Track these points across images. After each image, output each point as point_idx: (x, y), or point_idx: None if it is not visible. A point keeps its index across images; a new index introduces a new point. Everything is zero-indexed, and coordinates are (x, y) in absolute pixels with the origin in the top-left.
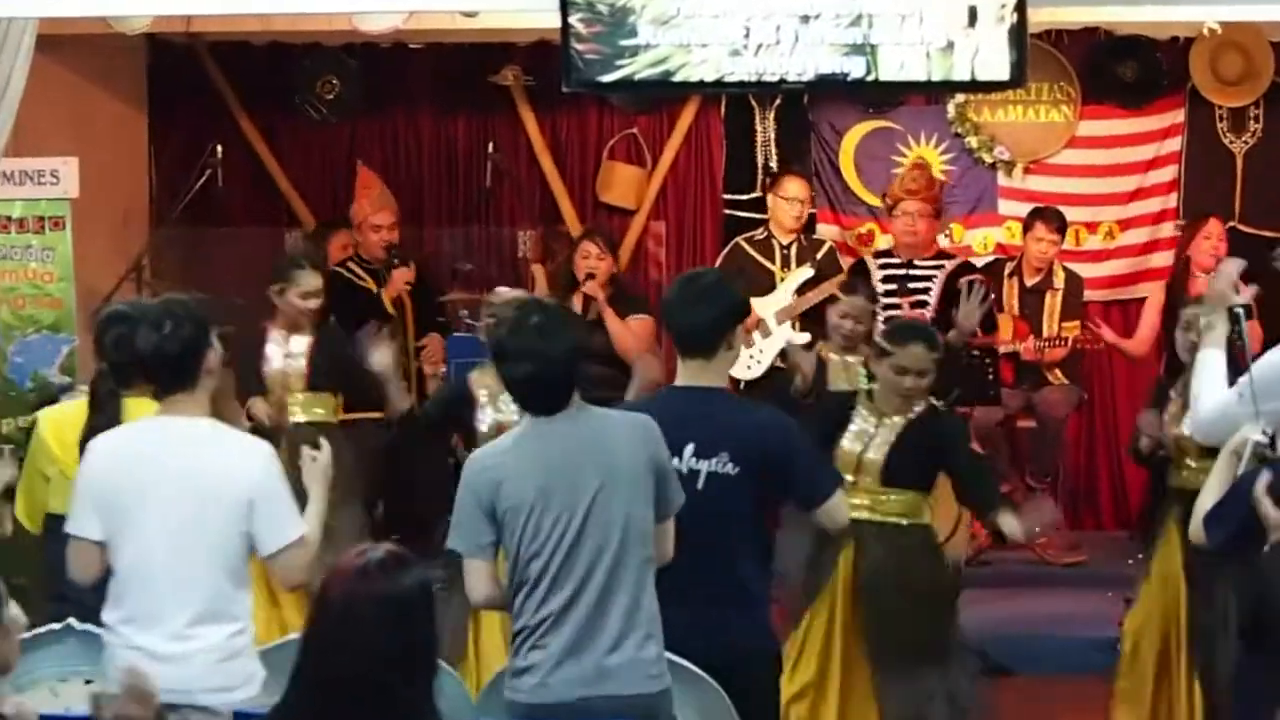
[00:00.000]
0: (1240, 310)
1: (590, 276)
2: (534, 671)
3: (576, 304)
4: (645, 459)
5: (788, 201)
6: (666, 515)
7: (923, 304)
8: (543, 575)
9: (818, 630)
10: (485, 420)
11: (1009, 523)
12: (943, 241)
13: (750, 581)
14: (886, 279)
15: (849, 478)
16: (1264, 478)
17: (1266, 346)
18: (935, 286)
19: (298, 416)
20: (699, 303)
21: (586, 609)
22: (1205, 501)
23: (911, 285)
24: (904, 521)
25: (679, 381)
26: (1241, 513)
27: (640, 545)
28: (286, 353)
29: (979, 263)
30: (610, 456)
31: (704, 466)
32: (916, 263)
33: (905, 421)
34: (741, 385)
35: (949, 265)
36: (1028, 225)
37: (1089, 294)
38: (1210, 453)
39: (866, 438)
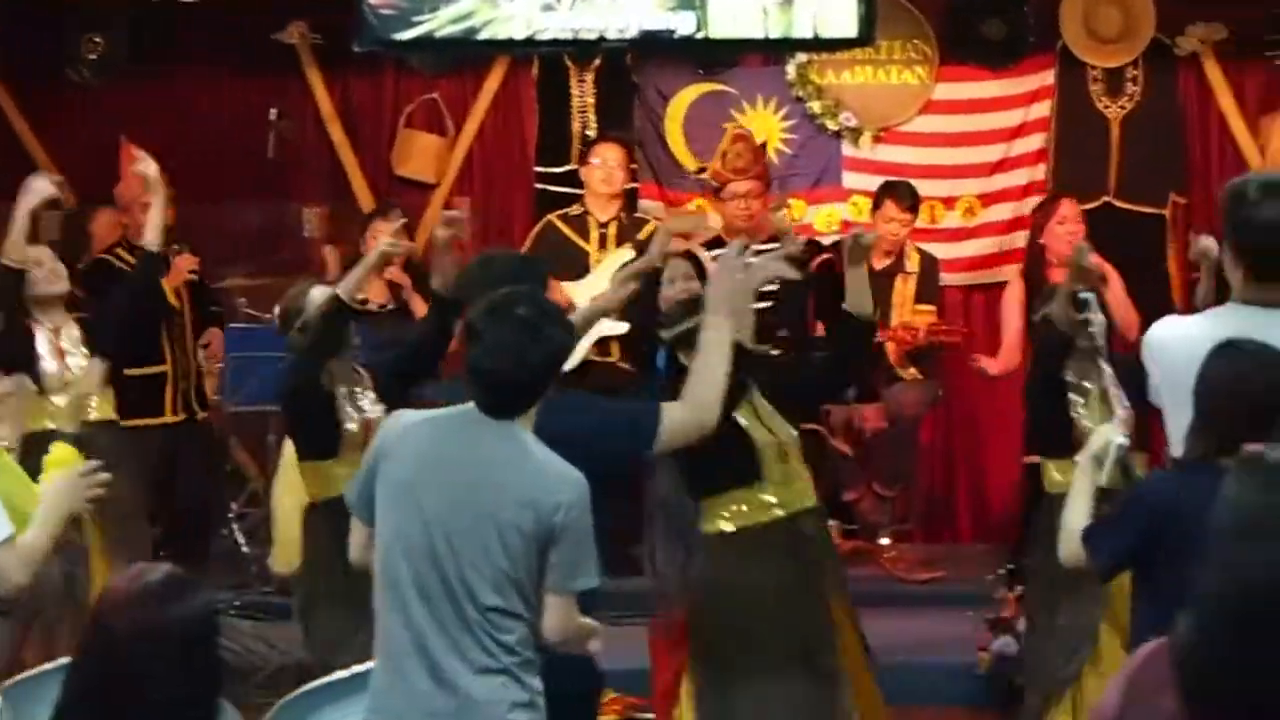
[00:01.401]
0: (1087, 298)
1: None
2: (382, 694)
3: (378, 291)
4: (531, 518)
5: (599, 167)
6: (558, 589)
7: (763, 294)
8: (387, 582)
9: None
10: (352, 419)
11: None
12: (783, 221)
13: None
14: None
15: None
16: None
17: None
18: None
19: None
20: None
21: (417, 635)
22: (1075, 519)
23: None
24: None
25: None
26: (1139, 525)
27: (492, 597)
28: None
29: (825, 243)
30: (497, 495)
31: None
32: (753, 248)
33: None
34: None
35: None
36: (877, 202)
37: (947, 278)
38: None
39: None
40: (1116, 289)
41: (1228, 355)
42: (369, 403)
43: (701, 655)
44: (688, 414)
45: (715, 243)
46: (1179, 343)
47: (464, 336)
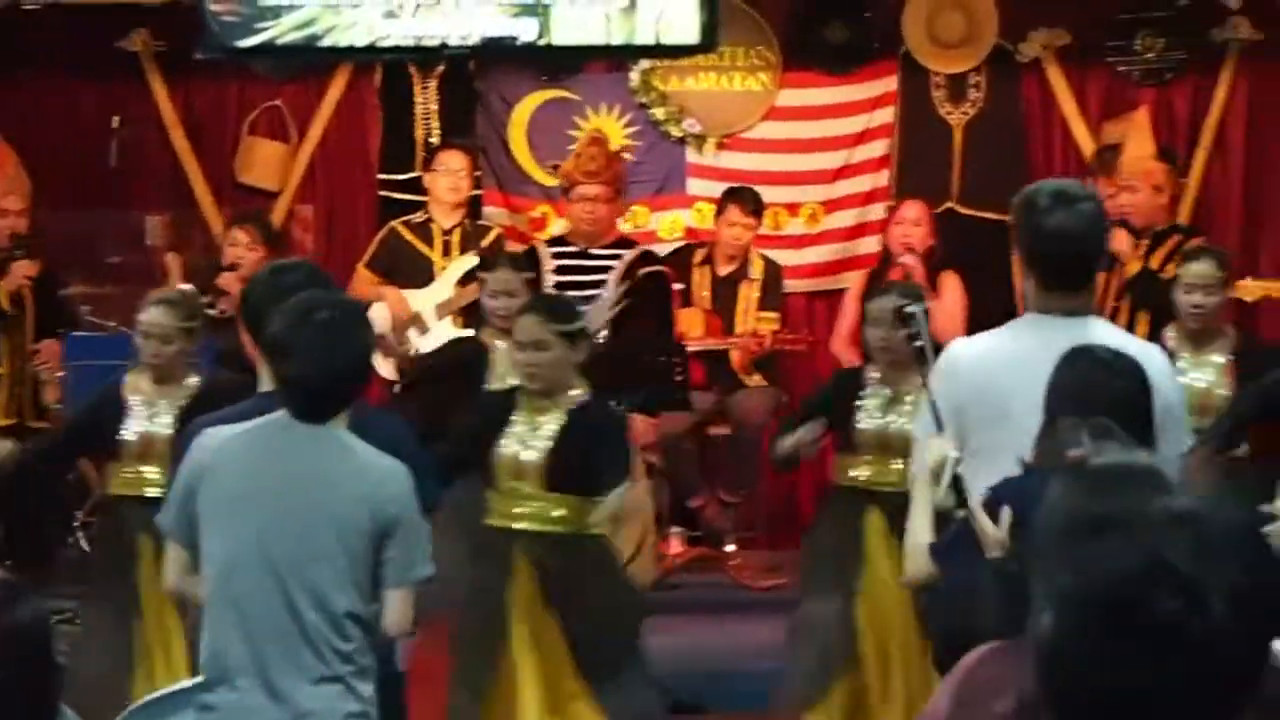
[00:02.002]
0: (914, 311)
1: (232, 267)
2: (213, 710)
3: (230, 299)
4: (366, 514)
5: (445, 175)
6: (398, 582)
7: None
8: (223, 600)
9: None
10: (131, 429)
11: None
12: (624, 226)
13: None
14: (561, 269)
15: (512, 483)
16: (982, 495)
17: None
18: (613, 277)
19: None
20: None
21: (255, 650)
22: (919, 535)
23: (587, 276)
24: (574, 531)
25: (269, 388)
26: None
27: (337, 598)
28: None
29: (665, 249)
30: (330, 494)
31: None
32: (593, 251)
33: (565, 415)
34: (395, 389)
35: (628, 254)
36: (720, 208)
37: (790, 284)
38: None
39: (524, 438)
40: (949, 301)
41: (1079, 360)
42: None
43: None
44: None
45: (558, 240)
46: (979, 358)
47: (266, 350)
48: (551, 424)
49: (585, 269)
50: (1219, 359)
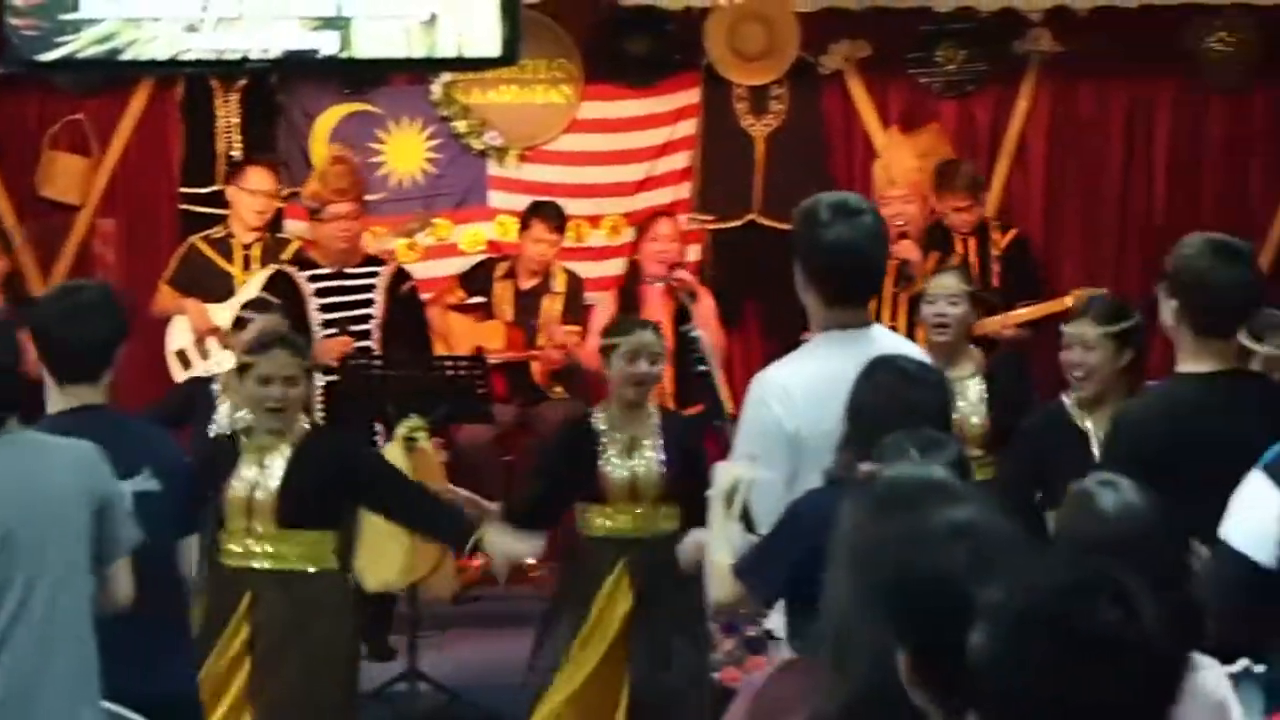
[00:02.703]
0: (695, 335)
1: None
2: None
3: None
4: (83, 494)
5: (250, 195)
6: (114, 557)
7: (367, 318)
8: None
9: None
10: None
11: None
12: (428, 239)
13: (180, 612)
14: (321, 292)
15: (243, 523)
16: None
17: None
18: (378, 296)
19: None
20: (86, 320)
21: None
22: (721, 557)
23: (350, 297)
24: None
25: (60, 407)
26: (799, 545)
27: (78, 590)
28: None
29: (467, 262)
30: (40, 487)
31: (128, 488)
32: (348, 271)
33: (293, 448)
34: None
35: (386, 272)
36: (524, 224)
37: (593, 296)
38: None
39: (253, 477)
40: (706, 309)
41: (880, 372)
42: None
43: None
44: None
45: (307, 264)
46: (809, 384)
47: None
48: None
49: (345, 289)
50: (969, 380)
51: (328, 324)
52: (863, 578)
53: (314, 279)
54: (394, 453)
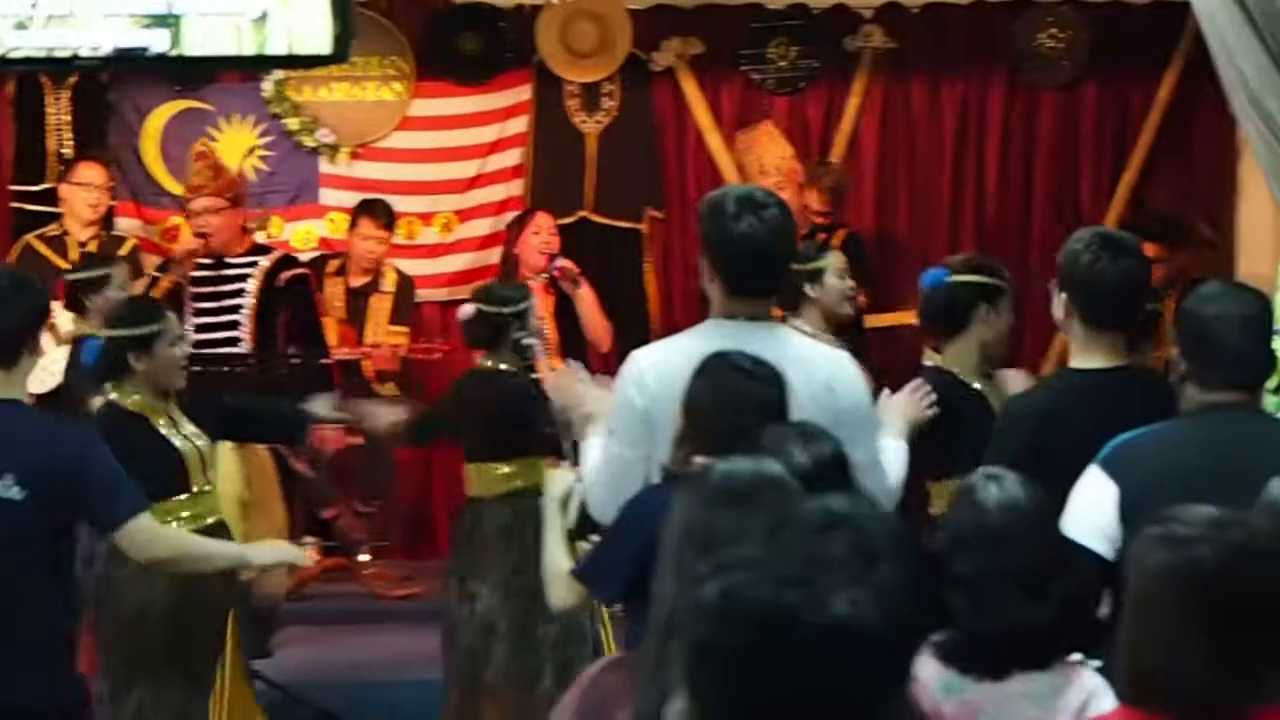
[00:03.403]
0: (531, 344)
1: None
2: None
3: None
4: None
5: (84, 188)
6: None
7: (237, 308)
8: None
9: None
10: None
11: None
12: (259, 236)
13: (39, 624)
14: (195, 280)
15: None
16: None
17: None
18: (253, 284)
19: None
20: None
21: None
22: (557, 562)
23: (224, 286)
24: None
25: None
26: (638, 542)
27: None
28: None
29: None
30: None
31: None
32: (229, 260)
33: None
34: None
35: (266, 260)
36: (353, 221)
37: (425, 293)
38: None
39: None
40: (588, 296)
41: (717, 368)
42: None
43: (106, 656)
44: (141, 541)
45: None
46: (662, 365)
47: None
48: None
49: (221, 279)
50: None
51: (199, 313)
52: (695, 571)
53: (197, 267)
54: (225, 450)
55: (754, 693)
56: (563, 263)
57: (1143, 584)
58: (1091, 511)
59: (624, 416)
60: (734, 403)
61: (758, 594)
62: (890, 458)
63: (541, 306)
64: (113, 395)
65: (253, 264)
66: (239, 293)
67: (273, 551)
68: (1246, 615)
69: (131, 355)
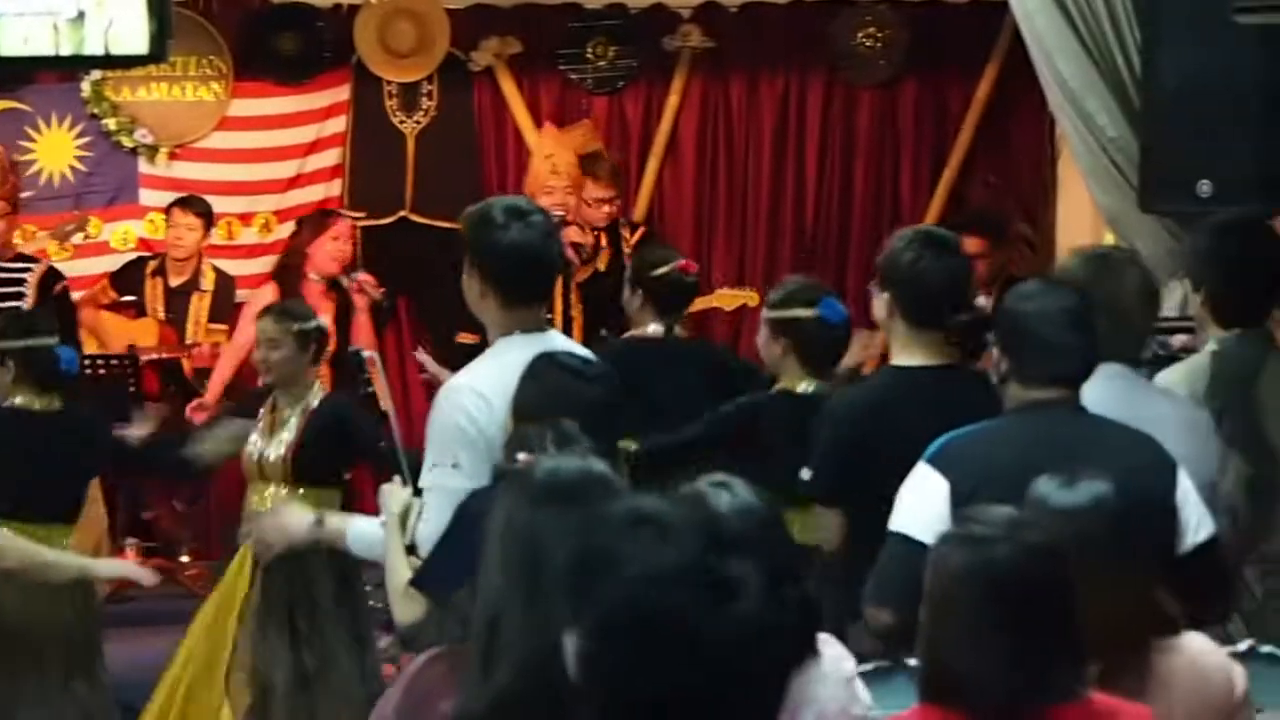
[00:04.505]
0: (364, 355)
1: None
2: None
3: None
4: None
5: None
6: None
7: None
8: None
9: None
10: None
11: None
12: (77, 238)
13: None
14: None
15: None
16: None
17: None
18: (29, 293)
19: None
20: None
21: None
22: (399, 577)
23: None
24: None
25: None
26: (470, 554)
27: None
28: None
29: (118, 260)
30: None
31: None
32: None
33: None
34: None
35: (38, 269)
36: (167, 217)
37: (245, 293)
38: None
39: None
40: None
41: (545, 368)
42: None
43: None
44: None
45: None
46: (505, 389)
47: None
48: None
49: None
50: None
51: None
52: (520, 568)
53: None
54: None
55: (632, 696)
56: (364, 276)
57: (941, 584)
58: (923, 506)
59: (468, 447)
60: (562, 403)
61: (643, 595)
62: None
63: (321, 310)
64: None
65: (25, 270)
66: (17, 296)
67: (118, 566)
68: (1041, 614)
69: None
